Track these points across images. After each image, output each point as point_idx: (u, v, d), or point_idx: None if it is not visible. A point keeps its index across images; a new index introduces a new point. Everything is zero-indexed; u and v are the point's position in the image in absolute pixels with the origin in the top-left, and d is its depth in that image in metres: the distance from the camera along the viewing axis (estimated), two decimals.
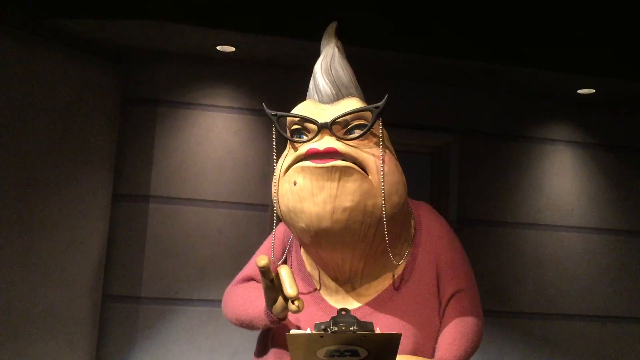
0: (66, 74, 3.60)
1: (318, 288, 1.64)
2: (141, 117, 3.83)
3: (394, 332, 1.26)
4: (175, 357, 3.65)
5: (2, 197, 3.28)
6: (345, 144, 1.44)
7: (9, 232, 3.31)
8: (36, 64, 3.46)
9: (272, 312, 1.50)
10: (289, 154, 1.51)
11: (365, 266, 1.57)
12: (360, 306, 1.58)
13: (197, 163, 3.81)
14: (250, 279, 1.77)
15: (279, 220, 1.59)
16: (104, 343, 3.68)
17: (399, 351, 1.45)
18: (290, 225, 1.53)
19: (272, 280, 1.44)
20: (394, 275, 1.60)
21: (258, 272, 1.71)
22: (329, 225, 1.42)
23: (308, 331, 1.28)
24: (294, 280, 1.42)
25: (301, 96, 1.63)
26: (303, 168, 1.43)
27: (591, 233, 4.32)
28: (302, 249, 1.71)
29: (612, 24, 3.90)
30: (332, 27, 1.66)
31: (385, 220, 1.46)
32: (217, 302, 3.65)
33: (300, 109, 1.52)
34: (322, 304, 1.61)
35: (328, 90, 1.53)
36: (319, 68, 1.57)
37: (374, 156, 1.46)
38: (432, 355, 1.55)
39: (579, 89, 4.16)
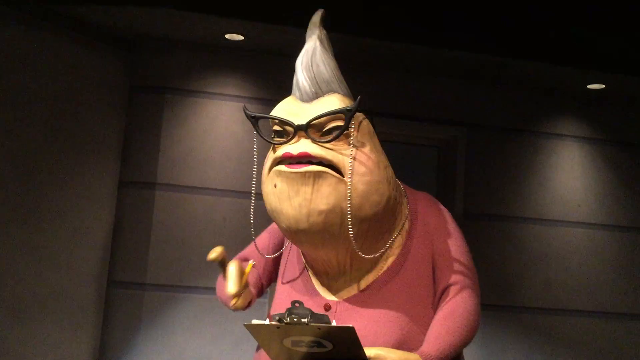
0: (74, 61, 3.60)
1: (312, 281, 1.66)
2: (149, 104, 3.83)
3: (348, 325, 1.28)
4: (179, 343, 3.66)
5: (9, 183, 3.30)
6: (321, 146, 1.45)
7: (16, 219, 3.32)
8: (44, 50, 3.46)
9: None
10: (270, 154, 1.53)
11: (354, 260, 1.58)
12: (349, 298, 1.58)
13: (203, 151, 3.81)
14: (244, 259, 1.81)
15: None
16: (109, 329, 3.70)
17: (383, 343, 1.46)
18: (276, 223, 1.57)
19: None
20: (385, 268, 1.60)
21: (251, 254, 1.78)
22: (306, 228, 1.46)
23: (267, 322, 1.31)
24: (239, 278, 1.46)
25: None
26: (280, 172, 1.47)
27: (597, 229, 4.31)
28: None
29: (623, 18, 3.86)
30: (317, 16, 1.61)
31: (361, 221, 1.47)
32: None
33: (281, 107, 1.53)
34: (314, 296, 1.62)
35: (307, 88, 1.52)
36: (299, 64, 1.54)
37: (350, 157, 1.46)
38: None
39: (589, 84, 4.13)
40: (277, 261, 1.80)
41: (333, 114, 1.46)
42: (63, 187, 3.54)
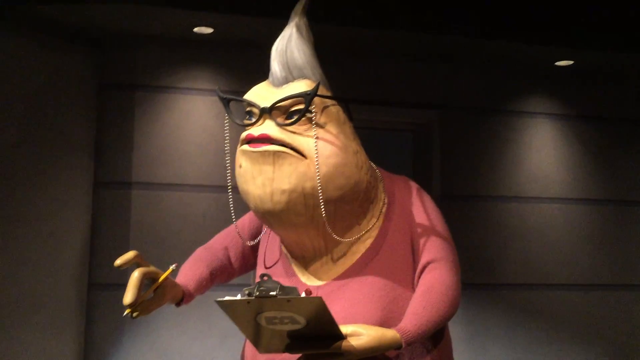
0: (40, 62, 3.54)
1: (292, 266, 1.67)
2: (120, 102, 3.78)
3: (316, 296, 1.29)
4: (165, 342, 3.65)
5: None
6: (283, 128, 1.48)
7: None
8: (10, 52, 3.38)
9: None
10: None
11: (328, 243, 1.59)
12: (329, 282, 1.59)
13: (178, 147, 3.78)
14: (222, 238, 1.83)
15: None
16: (92, 331, 3.67)
17: (365, 323, 1.47)
18: (247, 204, 1.59)
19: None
20: (362, 250, 1.61)
21: (230, 233, 1.80)
22: (270, 207, 1.49)
23: (238, 297, 1.31)
24: (136, 287, 1.41)
25: None
26: (244, 152, 1.50)
27: (572, 204, 4.39)
28: None
29: None
30: (300, 4, 1.63)
31: (326, 202, 1.49)
32: None
33: (253, 91, 1.57)
34: (294, 279, 1.63)
35: (278, 73, 1.54)
36: (274, 49, 1.57)
37: (313, 140, 1.48)
38: None
39: (557, 61, 4.19)
40: (255, 247, 1.80)
41: (293, 98, 1.48)
42: (37, 190, 3.49)
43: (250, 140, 1.50)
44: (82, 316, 3.67)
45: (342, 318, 1.39)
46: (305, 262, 1.63)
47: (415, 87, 4.21)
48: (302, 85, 1.52)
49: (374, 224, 1.64)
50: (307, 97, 1.47)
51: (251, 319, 1.33)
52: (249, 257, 1.81)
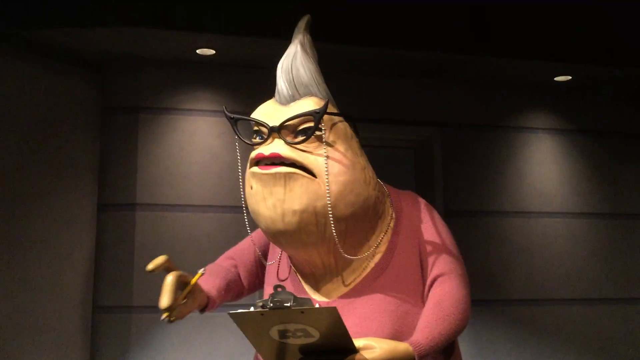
0: (44, 85, 3.57)
1: (302, 283, 1.67)
2: (123, 124, 3.81)
3: (331, 306, 1.29)
4: None
5: None
6: (293, 147, 1.48)
7: None
8: (13, 76, 3.41)
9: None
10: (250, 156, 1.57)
11: (339, 260, 1.60)
12: (339, 298, 1.60)
13: (181, 168, 3.80)
14: (230, 257, 1.83)
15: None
16: (97, 355, 3.65)
17: (376, 335, 1.47)
18: (257, 224, 1.59)
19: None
20: (371, 265, 1.62)
21: (238, 252, 1.81)
22: (282, 228, 1.49)
23: (251, 309, 1.31)
24: (172, 291, 1.42)
25: None
26: (254, 174, 1.51)
27: (575, 218, 4.39)
28: None
29: (585, 10, 3.95)
30: (303, 21, 1.65)
31: (339, 220, 1.49)
32: None
33: (260, 110, 1.57)
34: (304, 296, 1.62)
35: (285, 91, 1.55)
36: (279, 67, 1.58)
37: (323, 158, 1.49)
38: None
39: (556, 76, 4.22)
40: (262, 266, 1.81)
41: (302, 116, 1.49)
42: (42, 213, 3.50)
43: (259, 160, 1.50)
44: (87, 339, 3.66)
45: (354, 333, 1.40)
46: (315, 279, 1.64)
47: (415, 104, 4.23)
48: (309, 103, 1.53)
49: (382, 238, 1.64)
50: (317, 116, 1.48)
51: (264, 332, 1.33)
52: (257, 275, 1.82)
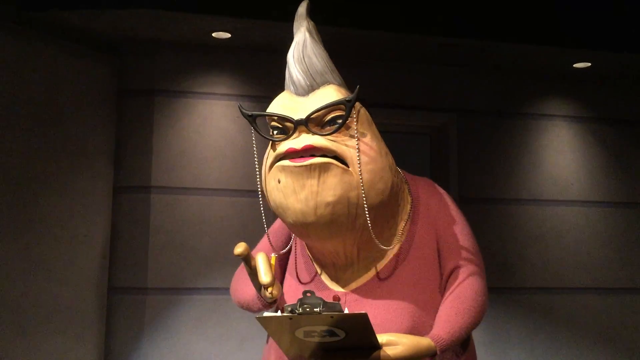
0: (61, 67, 3.58)
1: (319, 273, 1.66)
2: (139, 107, 3.82)
3: (361, 312, 1.28)
4: (184, 346, 3.67)
5: (2, 195, 3.27)
6: (323, 138, 1.44)
7: (11, 230, 3.30)
8: (30, 58, 3.43)
9: (261, 296, 1.54)
10: (270, 151, 1.52)
11: (361, 251, 1.58)
12: (357, 288, 1.58)
13: (196, 152, 3.81)
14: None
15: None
16: (112, 335, 3.70)
17: (394, 330, 1.47)
18: (281, 218, 1.56)
19: (254, 267, 1.47)
20: (390, 256, 1.61)
21: (264, 249, 1.74)
22: (314, 220, 1.45)
23: (278, 313, 1.30)
24: (270, 267, 1.44)
25: None
26: (284, 167, 1.45)
27: (591, 206, 4.34)
28: None
29: None
30: (303, 7, 1.58)
31: (370, 209, 1.47)
32: (223, 290, 3.68)
33: (277, 104, 1.51)
34: (322, 288, 1.62)
35: (302, 82, 1.50)
36: (291, 57, 1.52)
37: (353, 147, 1.45)
38: None
39: (575, 63, 4.16)
40: (287, 256, 1.78)
41: (333, 106, 1.45)
42: (58, 196, 3.53)
43: (289, 155, 1.44)
44: (102, 320, 3.70)
45: (374, 325, 1.37)
46: (335, 269, 1.62)
47: (432, 90, 4.20)
48: (330, 91, 1.48)
49: (402, 227, 1.63)
50: (348, 104, 1.43)
51: (289, 333, 1.32)
52: (278, 271, 1.78)
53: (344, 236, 1.51)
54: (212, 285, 3.72)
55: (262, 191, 1.58)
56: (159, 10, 3.33)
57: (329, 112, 1.46)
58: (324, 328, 1.28)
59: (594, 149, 4.40)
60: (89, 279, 3.65)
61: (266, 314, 1.30)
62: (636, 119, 4.48)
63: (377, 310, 1.53)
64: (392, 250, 1.61)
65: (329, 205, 1.43)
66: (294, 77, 1.51)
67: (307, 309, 1.26)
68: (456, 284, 1.56)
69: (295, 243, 1.74)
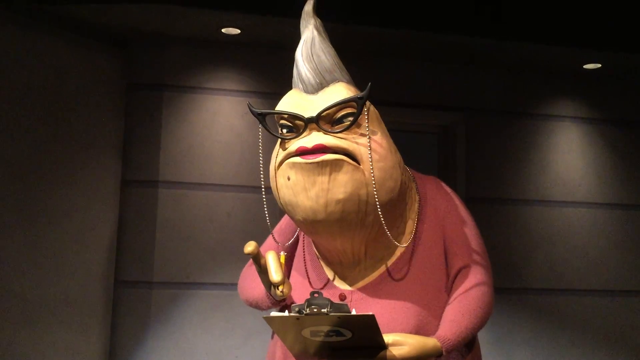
0: (70, 61, 3.59)
1: (324, 270, 1.66)
2: (147, 102, 3.83)
3: (369, 313, 1.28)
4: (189, 340, 3.68)
5: (9, 186, 3.29)
6: (334, 136, 1.44)
7: (18, 222, 3.31)
8: (39, 50, 3.44)
9: (271, 295, 1.55)
10: (280, 148, 1.51)
11: (368, 249, 1.57)
12: (363, 286, 1.58)
13: (204, 147, 3.82)
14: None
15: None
16: (118, 328, 3.72)
17: (400, 330, 1.47)
18: (289, 216, 1.56)
19: (264, 265, 1.47)
20: (397, 255, 1.60)
21: (270, 248, 1.74)
22: (324, 218, 1.44)
23: (285, 313, 1.30)
24: (280, 265, 1.45)
25: None
26: (294, 164, 1.44)
27: (599, 208, 4.32)
28: None
29: None
30: (309, 5, 1.57)
31: (380, 207, 1.46)
32: (229, 285, 3.69)
33: (286, 102, 1.50)
34: (328, 286, 1.62)
35: (311, 80, 1.50)
36: (299, 55, 1.52)
37: (364, 145, 1.45)
38: None
39: (585, 64, 4.14)
40: (292, 254, 1.78)
41: (345, 103, 1.44)
42: (65, 188, 3.54)
43: (300, 153, 1.43)
44: (109, 313, 3.72)
45: (380, 324, 1.37)
46: (342, 267, 1.62)
47: (440, 89, 4.19)
48: (340, 89, 1.48)
49: (409, 226, 1.62)
50: (360, 102, 1.43)
51: (296, 332, 1.33)
52: (286, 269, 1.79)
53: (353, 234, 1.51)
54: (218, 280, 3.74)
55: (265, 189, 1.58)
56: (169, 5, 3.33)
57: (339, 110, 1.45)
58: (330, 328, 1.29)
59: (603, 150, 4.38)
60: (96, 272, 3.67)
61: (273, 313, 1.30)
62: None
63: (383, 309, 1.53)
64: (399, 249, 1.60)
65: (339, 202, 1.43)
66: (303, 75, 1.51)
67: (315, 310, 1.26)
68: (463, 284, 1.56)
69: (303, 241, 1.74)
